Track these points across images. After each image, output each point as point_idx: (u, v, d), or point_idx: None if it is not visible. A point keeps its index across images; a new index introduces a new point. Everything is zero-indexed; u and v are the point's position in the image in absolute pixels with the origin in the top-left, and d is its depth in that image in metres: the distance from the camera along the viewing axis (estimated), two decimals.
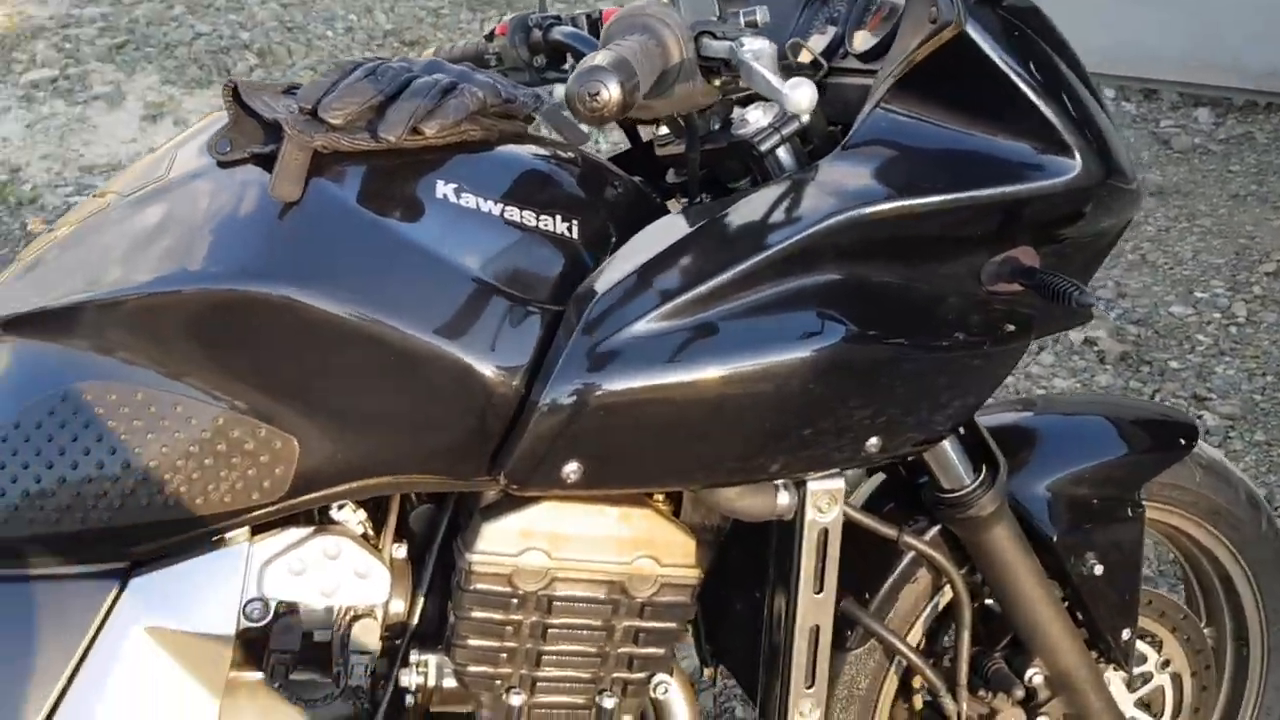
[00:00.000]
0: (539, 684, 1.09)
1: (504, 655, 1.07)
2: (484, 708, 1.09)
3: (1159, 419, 1.52)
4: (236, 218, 0.99)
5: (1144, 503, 1.44)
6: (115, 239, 1.03)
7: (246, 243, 0.97)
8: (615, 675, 1.11)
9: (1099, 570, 1.40)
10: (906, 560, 1.40)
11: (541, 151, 1.15)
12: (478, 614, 1.06)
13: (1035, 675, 1.43)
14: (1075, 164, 1.07)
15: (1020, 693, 1.42)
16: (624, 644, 1.11)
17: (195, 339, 0.98)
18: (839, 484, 1.14)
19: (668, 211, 1.17)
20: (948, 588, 1.39)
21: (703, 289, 1.01)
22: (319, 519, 1.09)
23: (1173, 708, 1.60)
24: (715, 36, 0.99)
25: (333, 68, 1.06)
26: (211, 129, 1.08)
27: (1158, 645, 1.56)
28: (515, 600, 1.06)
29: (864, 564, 1.41)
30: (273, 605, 1.05)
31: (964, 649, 1.38)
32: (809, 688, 1.18)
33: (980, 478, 1.30)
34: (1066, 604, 1.45)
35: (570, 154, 1.17)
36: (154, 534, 1.02)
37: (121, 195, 1.07)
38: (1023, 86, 1.05)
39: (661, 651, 1.12)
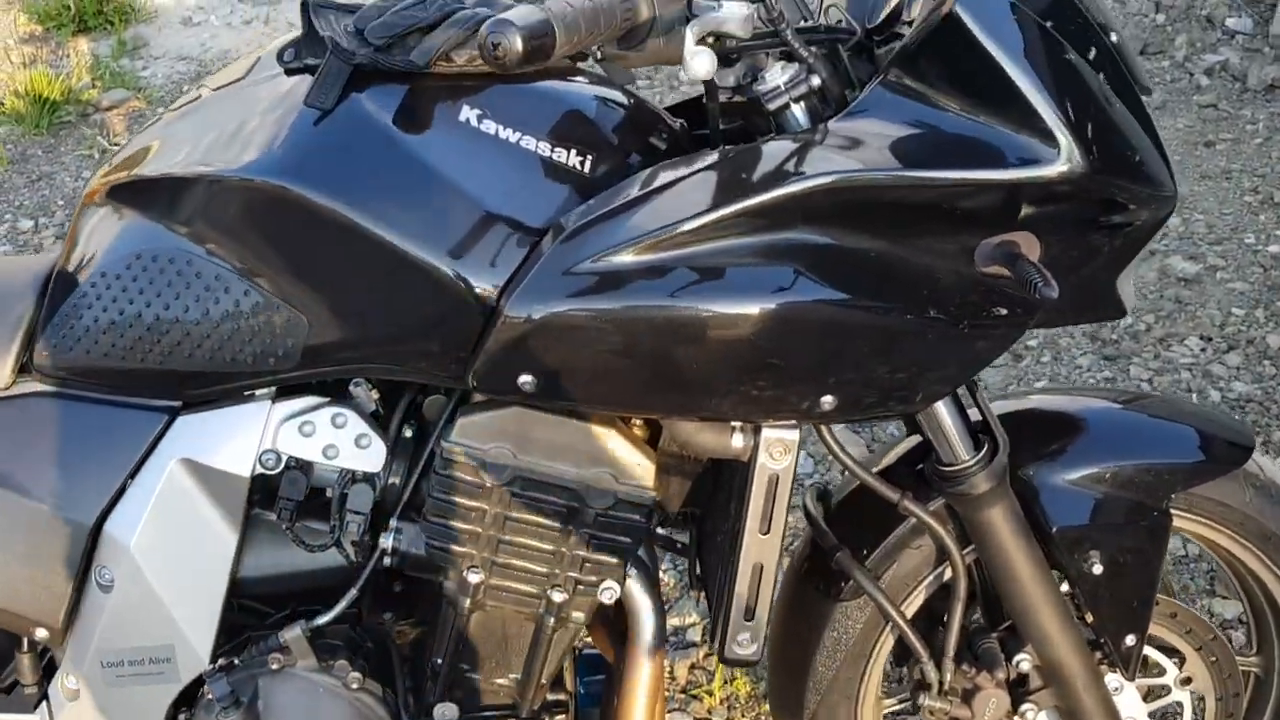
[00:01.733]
0: (496, 567, 1.22)
1: (466, 536, 1.21)
2: (447, 579, 1.24)
3: (1213, 428, 1.46)
4: (278, 119, 1.14)
5: (1171, 511, 1.40)
6: (194, 127, 1.21)
7: (279, 142, 1.13)
8: (567, 574, 1.23)
9: (1098, 570, 1.38)
10: (908, 526, 1.43)
11: (580, 88, 1.25)
12: (447, 496, 1.20)
13: (1024, 661, 1.44)
14: (1058, 154, 1.06)
15: (1002, 674, 1.43)
16: (577, 547, 1.21)
17: (233, 220, 1.15)
18: (794, 434, 1.19)
19: None
20: None
21: (677, 230, 1.08)
22: (337, 391, 1.25)
23: None
24: None
25: None
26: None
27: (1179, 660, 1.52)
28: (480, 489, 1.19)
29: (867, 521, 1.46)
30: (284, 458, 1.23)
31: (955, 620, 1.41)
32: (748, 620, 1.25)
33: (979, 456, 1.32)
34: (1076, 600, 1.44)
35: (611, 93, 1.26)
36: (197, 381, 1.21)
37: (211, 89, 1.26)
38: (1011, 72, 1.05)
39: (614, 560, 1.23)
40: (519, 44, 0.91)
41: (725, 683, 2.11)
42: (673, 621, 2.24)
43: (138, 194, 1.20)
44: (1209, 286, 3.12)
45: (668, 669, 2.13)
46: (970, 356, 1.18)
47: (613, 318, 1.09)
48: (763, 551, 1.23)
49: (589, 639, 1.61)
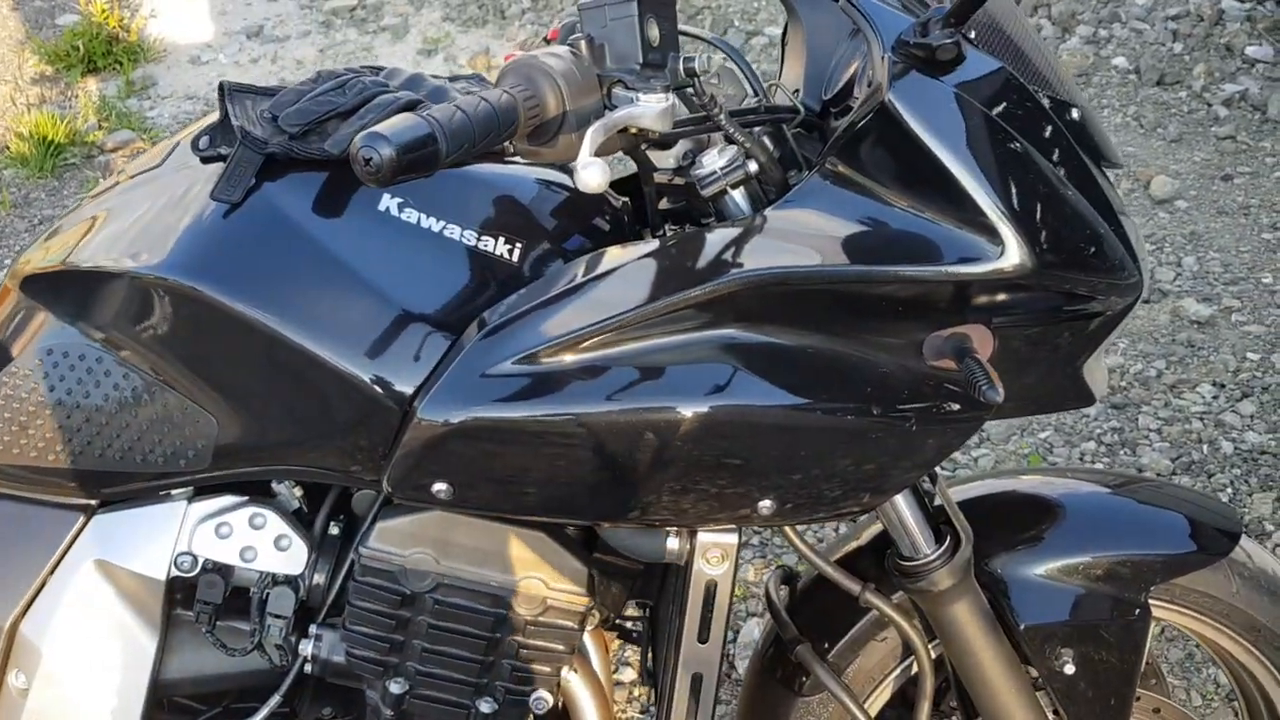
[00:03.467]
0: (420, 676, 1.16)
1: (387, 645, 1.15)
2: (369, 688, 1.18)
3: (1198, 513, 1.37)
4: (188, 212, 1.09)
5: (1151, 604, 1.32)
6: (109, 218, 1.16)
7: (186, 238, 1.08)
8: (496, 683, 1.16)
9: (1070, 670, 1.30)
10: (870, 618, 1.36)
11: (515, 171, 1.19)
12: (366, 604, 1.14)
13: None
14: (1002, 250, 0.99)
15: None
16: (506, 655, 1.15)
17: (140, 317, 1.10)
18: (732, 538, 1.13)
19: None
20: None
21: (602, 328, 1.02)
22: (258, 489, 1.20)
23: None
24: (626, 86, 0.99)
25: (317, 75, 1.14)
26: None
27: None
28: (400, 598, 1.13)
29: (830, 611, 1.39)
30: (200, 560, 1.17)
31: (923, 716, 1.33)
32: None
33: (940, 550, 1.24)
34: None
35: (549, 174, 1.20)
36: (111, 480, 1.16)
37: (129, 176, 1.21)
38: (949, 164, 0.98)
39: (546, 669, 1.16)
40: (393, 159, 0.85)
41: None
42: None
43: (47, 288, 1.16)
44: (1223, 330, 3.02)
45: None
46: (920, 456, 1.10)
47: (534, 423, 1.03)
48: (701, 660, 1.17)
49: None
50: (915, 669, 1.37)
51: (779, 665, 1.43)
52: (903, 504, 1.24)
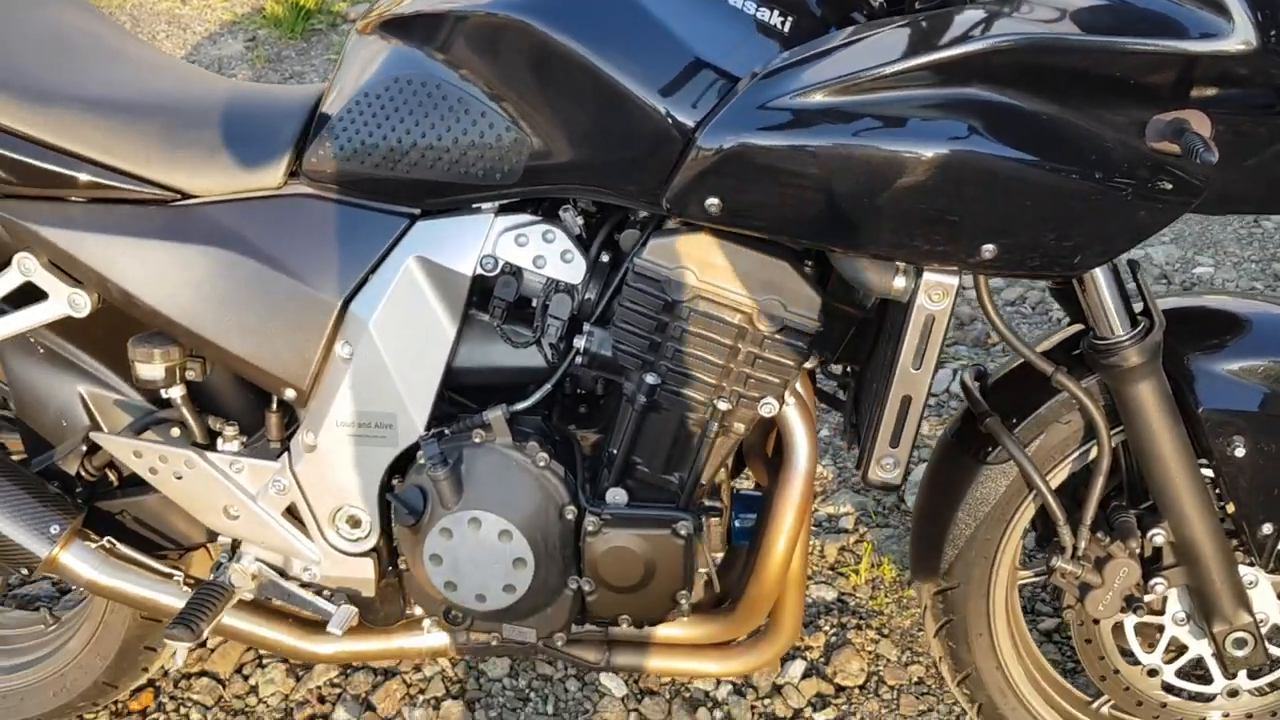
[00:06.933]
0: (671, 373, 1.38)
1: (647, 344, 1.37)
2: (627, 380, 1.41)
3: None
4: None
5: None
6: None
7: None
8: (733, 387, 1.38)
9: (1240, 453, 1.44)
10: (1059, 400, 1.52)
11: None
12: (634, 306, 1.36)
13: (1158, 536, 1.51)
14: (1232, 28, 1.13)
15: (1135, 545, 1.50)
16: (744, 364, 1.36)
17: (479, 50, 1.33)
18: (952, 280, 1.31)
19: None
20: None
21: (864, 77, 1.21)
22: (549, 212, 1.44)
23: None
24: None
25: None
26: None
27: None
28: (663, 304, 1.35)
29: (1020, 395, 1.56)
30: (500, 263, 1.42)
31: (1096, 489, 1.49)
32: (893, 446, 1.38)
33: (1134, 331, 1.40)
34: (1217, 489, 1.50)
35: None
36: (435, 191, 1.41)
37: None
38: None
39: (775, 380, 1.37)
40: None
41: (872, 566, 2.23)
42: (827, 509, 2.37)
43: (399, 27, 1.41)
44: None
45: (818, 548, 2.27)
46: (1131, 226, 1.25)
47: (797, 152, 1.23)
48: (913, 385, 1.36)
49: (748, 481, 1.77)
50: (1092, 454, 1.53)
51: (967, 438, 1.61)
52: (1103, 285, 1.39)
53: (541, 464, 1.43)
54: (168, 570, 1.63)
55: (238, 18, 4.90)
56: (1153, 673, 1.63)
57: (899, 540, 2.28)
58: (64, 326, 1.55)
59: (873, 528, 2.32)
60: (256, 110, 1.52)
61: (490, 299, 1.44)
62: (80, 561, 1.57)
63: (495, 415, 1.43)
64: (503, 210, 1.42)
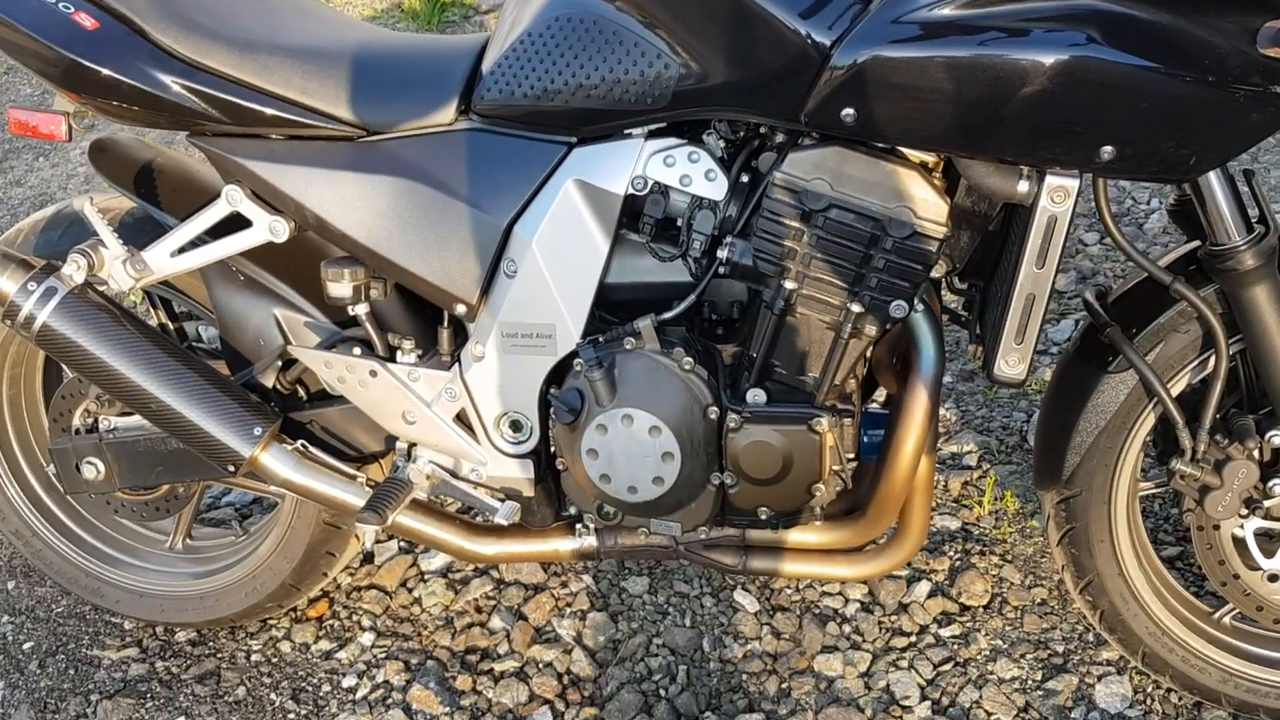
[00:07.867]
0: (807, 279, 1.51)
1: (786, 252, 1.50)
2: (767, 287, 1.54)
3: None
4: None
5: None
6: None
7: None
8: (865, 290, 1.50)
9: None
10: (1177, 310, 1.60)
11: None
12: (773, 216, 1.49)
13: (1277, 438, 1.58)
14: None
15: (1254, 447, 1.57)
16: (875, 269, 1.48)
17: None
18: (1074, 182, 1.40)
19: None
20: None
21: None
22: (694, 135, 1.58)
23: None
24: None
25: None
26: None
27: None
28: (800, 213, 1.48)
29: (1140, 307, 1.64)
30: (650, 182, 1.57)
31: (1214, 393, 1.56)
32: (1017, 343, 1.48)
33: (1250, 236, 1.47)
34: None
35: None
36: (590, 119, 1.56)
37: None
38: None
39: (905, 284, 1.48)
40: None
41: (995, 499, 2.31)
42: (951, 448, 2.45)
43: None
44: None
45: (942, 483, 2.36)
46: (1244, 129, 1.33)
47: (927, 62, 1.34)
48: (1036, 283, 1.46)
49: (877, 402, 1.88)
50: (1210, 364, 1.60)
51: (1089, 350, 1.69)
52: (1218, 190, 1.47)
53: (687, 367, 1.57)
54: (352, 472, 1.82)
55: (377, 12, 5.18)
56: (1273, 578, 1.68)
57: (1022, 476, 2.35)
58: (262, 254, 1.76)
59: (995, 464, 2.40)
60: (430, 56, 1.70)
61: (640, 217, 1.58)
62: (278, 462, 1.77)
63: (645, 324, 1.57)
64: (652, 135, 1.57)
